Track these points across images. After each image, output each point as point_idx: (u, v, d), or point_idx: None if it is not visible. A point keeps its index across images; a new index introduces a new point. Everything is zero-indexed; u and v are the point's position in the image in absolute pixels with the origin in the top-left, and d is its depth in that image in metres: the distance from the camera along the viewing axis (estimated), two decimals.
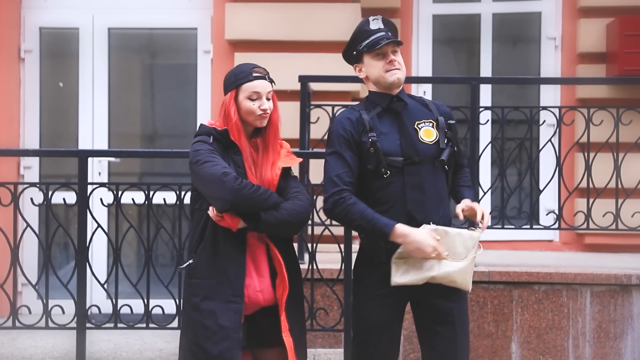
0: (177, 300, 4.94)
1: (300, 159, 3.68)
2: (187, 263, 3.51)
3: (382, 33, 3.57)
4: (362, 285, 3.58)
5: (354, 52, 3.60)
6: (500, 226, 5.84)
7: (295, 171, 3.73)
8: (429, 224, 3.43)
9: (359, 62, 3.62)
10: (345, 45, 3.65)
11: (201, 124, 3.60)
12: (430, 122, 3.58)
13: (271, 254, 3.51)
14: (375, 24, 3.60)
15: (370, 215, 3.41)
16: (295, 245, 5.50)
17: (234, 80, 3.53)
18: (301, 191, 3.54)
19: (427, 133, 3.55)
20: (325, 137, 5.82)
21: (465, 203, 3.55)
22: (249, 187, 3.36)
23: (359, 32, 3.60)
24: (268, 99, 3.52)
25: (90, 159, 5.63)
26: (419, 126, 3.55)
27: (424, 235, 3.39)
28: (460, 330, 3.54)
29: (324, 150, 5.98)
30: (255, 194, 3.36)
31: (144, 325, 5.03)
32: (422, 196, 3.49)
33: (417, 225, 3.43)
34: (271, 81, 3.56)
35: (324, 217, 5.43)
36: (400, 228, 3.39)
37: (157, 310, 4.98)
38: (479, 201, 5.81)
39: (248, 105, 3.49)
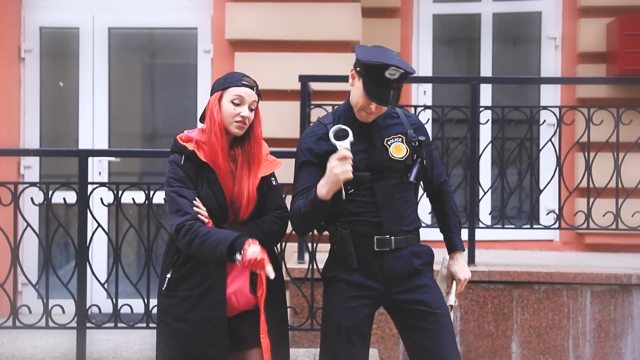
0: None
1: (282, 162, 3.66)
2: (167, 277, 3.53)
3: (388, 94, 3.41)
4: (333, 288, 3.57)
5: (358, 68, 3.45)
6: (500, 226, 5.84)
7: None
8: (397, 231, 3.52)
9: (357, 75, 3.47)
10: (364, 52, 3.47)
11: (175, 139, 3.57)
12: (399, 136, 3.56)
13: None
14: (393, 74, 3.38)
15: (305, 199, 3.43)
16: (295, 245, 5.57)
17: (223, 82, 3.54)
18: (280, 215, 3.56)
19: (397, 149, 3.54)
20: None
21: (453, 271, 3.70)
22: (196, 240, 3.35)
23: (374, 67, 3.37)
24: (251, 110, 3.51)
25: (90, 159, 5.63)
26: (389, 142, 3.54)
27: (330, 169, 3.35)
28: (445, 321, 3.56)
29: None
30: (200, 247, 3.35)
31: (144, 325, 5.03)
32: (392, 208, 3.50)
33: (388, 233, 3.49)
34: (258, 95, 3.55)
35: None
36: (320, 184, 3.37)
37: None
38: (478, 202, 5.85)
39: (229, 108, 3.48)
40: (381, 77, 3.37)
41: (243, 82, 3.50)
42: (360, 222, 3.49)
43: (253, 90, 3.52)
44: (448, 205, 3.74)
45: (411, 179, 3.52)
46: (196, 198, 3.45)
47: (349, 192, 3.44)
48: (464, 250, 3.74)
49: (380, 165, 3.50)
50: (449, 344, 3.54)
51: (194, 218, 3.41)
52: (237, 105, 3.48)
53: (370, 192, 3.48)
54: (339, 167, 3.32)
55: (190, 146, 3.50)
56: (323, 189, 3.36)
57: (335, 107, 5.80)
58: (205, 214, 3.44)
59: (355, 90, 3.49)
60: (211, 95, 3.56)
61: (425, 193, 3.80)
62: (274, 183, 3.62)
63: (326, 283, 3.64)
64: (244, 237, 3.32)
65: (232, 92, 3.49)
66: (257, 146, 3.55)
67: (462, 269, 3.69)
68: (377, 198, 3.48)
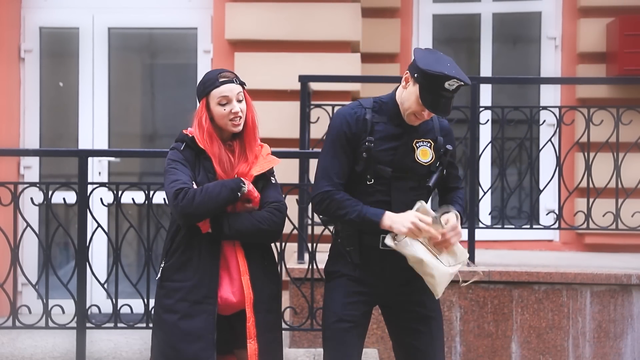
0: None
1: (280, 160, 3.69)
2: (161, 267, 3.57)
3: (444, 103, 3.39)
4: (335, 283, 3.58)
5: (416, 75, 3.41)
6: (500, 226, 5.85)
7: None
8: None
9: (413, 80, 3.44)
10: (423, 58, 3.42)
11: (181, 131, 3.64)
12: (429, 141, 3.56)
13: (238, 258, 3.54)
14: (452, 85, 3.37)
15: (358, 208, 3.43)
16: (295, 245, 5.57)
17: (203, 89, 3.58)
18: (278, 206, 3.56)
19: (424, 153, 3.54)
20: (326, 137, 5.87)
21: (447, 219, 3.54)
22: (197, 193, 3.41)
23: (435, 77, 3.35)
24: (240, 101, 3.55)
25: (90, 159, 5.63)
26: (417, 145, 3.54)
27: (407, 215, 3.41)
28: (437, 325, 3.58)
29: None
30: (205, 196, 3.40)
31: (144, 325, 5.02)
32: (404, 210, 3.49)
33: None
34: (241, 83, 3.58)
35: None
36: (388, 216, 3.42)
37: None
38: (478, 202, 5.86)
39: (219, 110, 3.53)
40: (440, 87, 3.36)
41: (221, 81, 3.54)
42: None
43: (234, 82, 3.55)
44: (455, 194, 3.72)
45: (430, 184, 3.52)
46: (191, 180, 3.49)
47: (369, 183, 3.47)
48: (460, 215, 3.59)
49: (404, 165, 3.51)
50: (438, 347, 3.57)
51: (188, 186, 3.45)
52: (225, 104, 3.52)
53: (386, 189, 3.49)
54: (419, 235, 3.39)
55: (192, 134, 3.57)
56: (388, 221, 3.40)
57: (336, 107, 5.88)
58: None
59: (409, 94, 3.45)
60: (199, 102, 3.59)
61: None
62: (273, 181, 3.64)
63: (327, 278, 3.63)
64: (236, 178, 3.50)
65: (215, 95, 3.53)
66: (252, 133, 3.60)
67: (452, 217, 3.54)
68: (392, 197, 3.49)
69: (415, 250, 3.44)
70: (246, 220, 3.50)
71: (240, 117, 3.54)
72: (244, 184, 3.49)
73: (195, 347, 3.43)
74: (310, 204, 3.55)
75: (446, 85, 3.36)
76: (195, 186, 3.48)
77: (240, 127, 3.56)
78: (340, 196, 3.46)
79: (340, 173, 3.48)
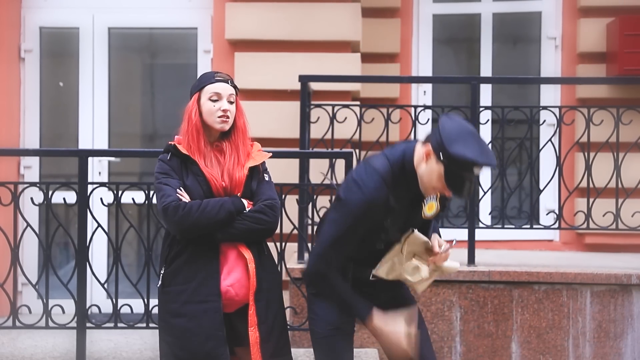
0: None
1: (270, 154, 3.73)
2: (161, 274, 3.60)
3: (468, 186, 3.23)
4: (322, 298, 3.54)
5: (441, 155, 3.17)
6: (500, 226, 5.85)
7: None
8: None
9: (435, 157, 3.22)
10: (449, 137, 3.17)
11: (167, 143, 3.68)
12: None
13: (241, 249, 3.58)
14: (479, 171, 3.20)
15: (349, 298, 3.39)
16: (295, 245, 5.57)
17: (198, 84, 3.65)
18: (270, 204, 3.58)
19: (430, 207, 3.46)
20: (326, 136, 5.88)
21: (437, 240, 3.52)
22: (193, 210, 3.46)
23: (463, 163, 3.14)
24: (231, 102, 3.61)
25: (90, 159, 5.62)
26: (425, 201, 3.43)
27: (397, 335, 3.36)
28: (420, 318, 3.60)
29: (324, 150, 5.99)
30: (202, 215, 3.46)
31: (144, 325, 5.03)
32: None
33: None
34: (234, 87, 3.64)
35: None
36: (376, 319, 3.36)
37: (157, 310, 4.96)
38: (478, 202, 5.86)
39: (209, 106, 3.59)
40: (468, 171, 3.19)
41: (216, 78, 3.61)
42: (364, 259, 3.50)
43: (228, 83, 3.62)
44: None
45: (430, 238, 3.50)
46: (180, 187, 3.53)
47: (378, 248, 3.44)
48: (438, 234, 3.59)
49: (413, 224, 3.47)
50: (423, 329, 3.57)
51: (177, 200, 3.49)
52: (216, 101, 3.58)
53: (390, 246, 3.46)
54: (400, 340, 3.36)
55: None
56: (370, 328, 3.37)
57: (336, 106, 5.87)
58: (188, 198, 3.52)
59: (430, 171, 3.25)
60: (190, 98, 3.66)
61: None
62: (266, 178, 3.67)
63: (314, 294, 3.58)
64: (237, 197, 3.54)
65: (208, 91, 3.60)
66: (242, 137, 3.64)
67: (442, 241, 3.51)
68: (390, 249, 3.47)
69: (398, 274, 3.49)
70: (238, 222, 3.53)
71: (228, 117, 3.58)
72: (245, 207, 3.54)
73: (207, 346, 3.46)
74: (302, 273, 3.48)
75: (474, 170, 3.19)
76: (184, 194, 3.50)
77: (227, 127, 3.60)
78: (333, 282, 3.37)
79: (343, 258, 3.39)
